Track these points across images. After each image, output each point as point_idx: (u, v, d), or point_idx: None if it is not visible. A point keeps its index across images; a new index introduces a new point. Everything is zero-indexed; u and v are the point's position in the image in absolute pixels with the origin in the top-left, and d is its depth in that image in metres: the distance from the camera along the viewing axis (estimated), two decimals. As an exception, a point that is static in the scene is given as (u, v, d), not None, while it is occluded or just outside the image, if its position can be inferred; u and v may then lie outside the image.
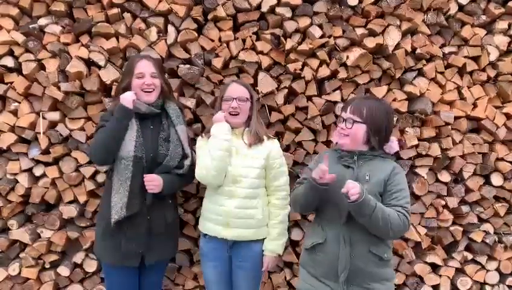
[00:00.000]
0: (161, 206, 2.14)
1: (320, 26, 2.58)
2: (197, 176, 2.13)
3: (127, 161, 2.07)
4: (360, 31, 2.58)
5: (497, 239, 2.85)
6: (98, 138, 2.10)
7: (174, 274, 2.72)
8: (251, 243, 2.12)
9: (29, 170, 2.57)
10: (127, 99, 2.06)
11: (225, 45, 2.56)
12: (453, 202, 2.76)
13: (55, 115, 2.54)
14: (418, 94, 2.67)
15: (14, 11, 2.50)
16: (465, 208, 2.79)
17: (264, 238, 2.16)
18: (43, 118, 2.52)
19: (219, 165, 2.04)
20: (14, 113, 2.53)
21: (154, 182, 2.07)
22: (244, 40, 2.57)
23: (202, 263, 2.21)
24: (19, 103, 2.53)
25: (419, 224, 2.77)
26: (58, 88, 2.48)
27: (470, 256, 2.86)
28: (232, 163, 2.09)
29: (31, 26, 2.49)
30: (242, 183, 2.08)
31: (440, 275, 2.83)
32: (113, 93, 2.49)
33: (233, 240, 2.10)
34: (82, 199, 2.56)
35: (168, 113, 2.24)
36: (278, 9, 2.55)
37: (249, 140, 2.13)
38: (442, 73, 2.71)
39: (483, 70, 2.75)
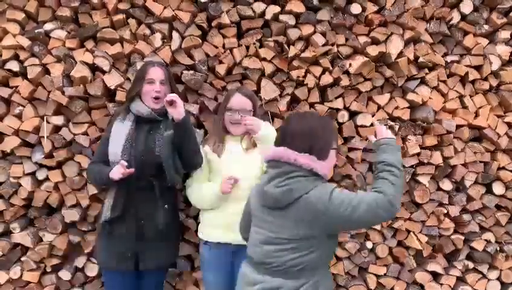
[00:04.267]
0: (153, 210, 2.13)
1: (324, 34, 2.59)
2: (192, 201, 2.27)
3: (114, 165, 2.07)
4: (363, 39, 2.60)
5: (498, 248, 2.84)
6: (90, 174, 2.25)
7: (174, 280, 2.72)
8: None
9: (33, 174, 2.58)
10: (114, 176, 2.02)
11: (229, 51, 2.57)
12: (454, 210, 2.76)
13: (59, 119, 2.55)
14: (420, 102, 2.68)
15: (20, 16, 2.52)
16: (466, 217, 2.79)
17: None
18: (47, 122, 2.54)
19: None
20: (19, 117, 2.54)
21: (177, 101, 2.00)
22: (247, 47, 2.58)
23: (203, 270, 2.20)
24: (24, 106, 2.54)
25: (420, 232, 2.77)
26: (63, 93, 2.49)
27: (471, 265, 2.85)
28: (230, 168, 2.11)
29: (36, 31, 2.51)
30: (240, 186, 2.09)
31: (441, 284, 2.82)
32: (117, 98, 2.51)
33: (236, 244, 2.08)
34: (84, 203, 2.56)
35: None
36: (282, 17, 2.57)
37: (246, 145, 2.16)
38: (444, 82, 2.72)
39: (486, 79, 2.75)
